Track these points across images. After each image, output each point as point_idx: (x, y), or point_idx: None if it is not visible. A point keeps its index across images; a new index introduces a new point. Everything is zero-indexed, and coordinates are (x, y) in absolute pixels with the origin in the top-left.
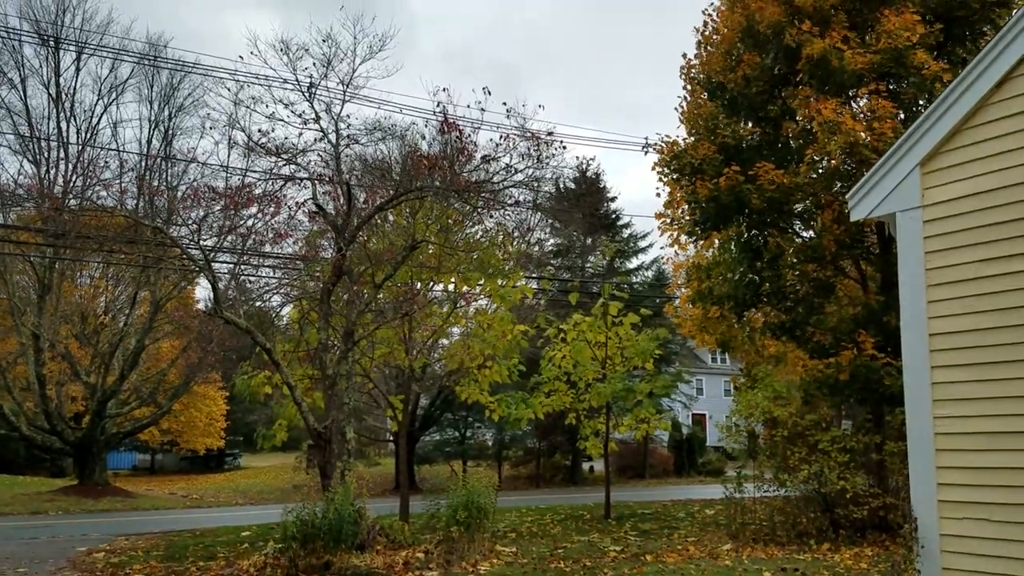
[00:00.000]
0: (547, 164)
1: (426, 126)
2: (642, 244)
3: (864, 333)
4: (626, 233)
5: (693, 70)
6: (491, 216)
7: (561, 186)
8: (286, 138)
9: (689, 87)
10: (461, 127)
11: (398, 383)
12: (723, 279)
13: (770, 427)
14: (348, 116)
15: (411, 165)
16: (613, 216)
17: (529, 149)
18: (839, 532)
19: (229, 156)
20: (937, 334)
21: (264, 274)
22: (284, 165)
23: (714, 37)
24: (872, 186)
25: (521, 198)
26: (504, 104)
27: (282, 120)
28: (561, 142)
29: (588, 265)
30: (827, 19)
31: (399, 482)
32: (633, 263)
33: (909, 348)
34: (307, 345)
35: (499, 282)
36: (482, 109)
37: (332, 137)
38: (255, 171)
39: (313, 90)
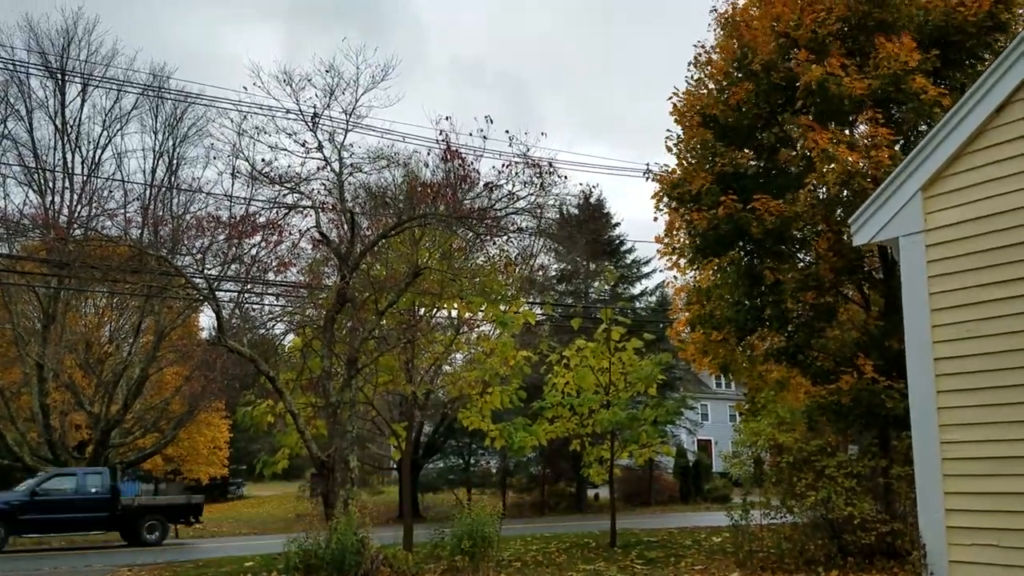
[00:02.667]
0: (549, 191)
1: (429, 154)
2: (645, 269)
3: (864, 357)
4: (629, 259)
5: (686, 103)
6: (494, 243)
7: (565, 212)
8: (289, 166)
9: (681, 120)
10: (463, 155)
11: (400, 411)
12: (723, 303)
13: (775, 454)
14: (351, 145)
15: (414, 193)
16: (617, 242)
17: (531, 177)
18: (847, 559)
19: (233, 185)
20: (942, 358)
21: (267, 302)
22: (287, 194)
23: (708, 68)
24: (875, 211)
25: (523, 225)
26: (507, 132)
27: (285, 149)
28: (564, 176)
29: (592, 291)
30: (824, 47)
31: (403, 511)
32: (637, 289)
33: (914, 373)
34: (310, 373)
35: (501, 308)
36: (484, 137)
37: (335, 166)
38: (258, 200)
39: (316, 119)
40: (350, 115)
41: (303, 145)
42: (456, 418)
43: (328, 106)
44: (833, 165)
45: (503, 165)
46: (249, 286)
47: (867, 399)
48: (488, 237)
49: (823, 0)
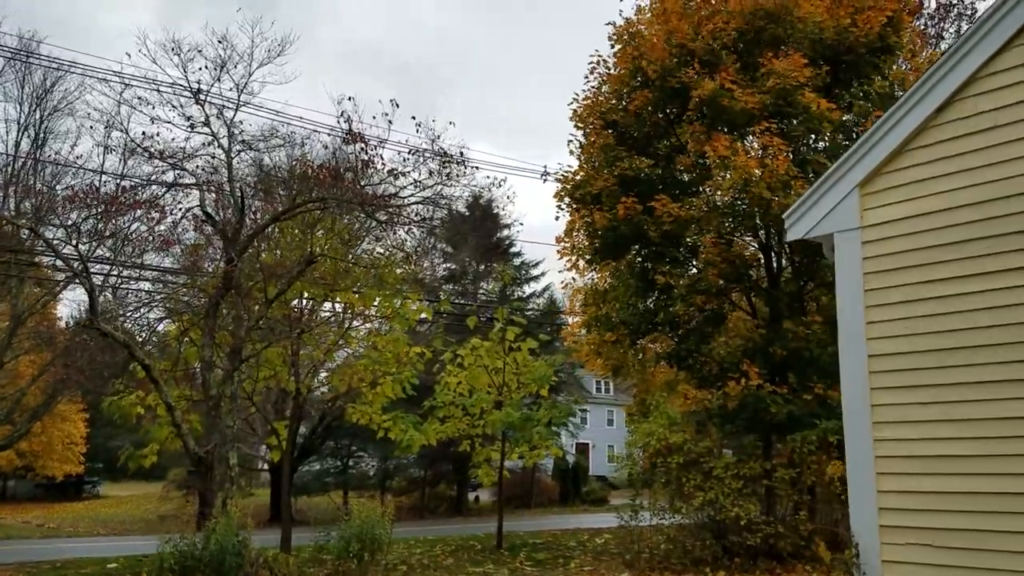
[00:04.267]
0: (457, 182)
1: (329, 135)
2: (534, 272)
3: (750, 363)
4: (518, 261)
5: (587, 108)
6: (394, 232)
7: (454, 211)
8: (173, 139)
9: (583, 124)
10: (367, 138)
11: (276, 408)
12: (619, 305)
13: (664, 454)
14: (241, 122)
15: (312, 175)
16: (506, 243)
17: (441, 165)
18: (733, 559)
19: (104, 161)
20: (876, 355)
21: (142, 287)
22: (168, 170)
23: (606, 76)
24: (810, 206)
25: (428, 214)
26: (413, 118)
27: (169, 123)
28: (475, 167)
29: (480, 292)
30: (717, 60)
31: (277, 514)
32: (526, 291)
33: (848, 369)
34: (186, 364)
35: (396, 302)
36: (389, 121)
37: (224, 142)
38: (134, 178)
39: (202, 94)
40: (242, 90)
41: (188, 119)
42: (336, 418)
43: (219, 79)
44: (730, 173)
45: (409, 151)
46: (124, 267)
47: (753, 404)
48: (390, 226)
49: (720, 14)
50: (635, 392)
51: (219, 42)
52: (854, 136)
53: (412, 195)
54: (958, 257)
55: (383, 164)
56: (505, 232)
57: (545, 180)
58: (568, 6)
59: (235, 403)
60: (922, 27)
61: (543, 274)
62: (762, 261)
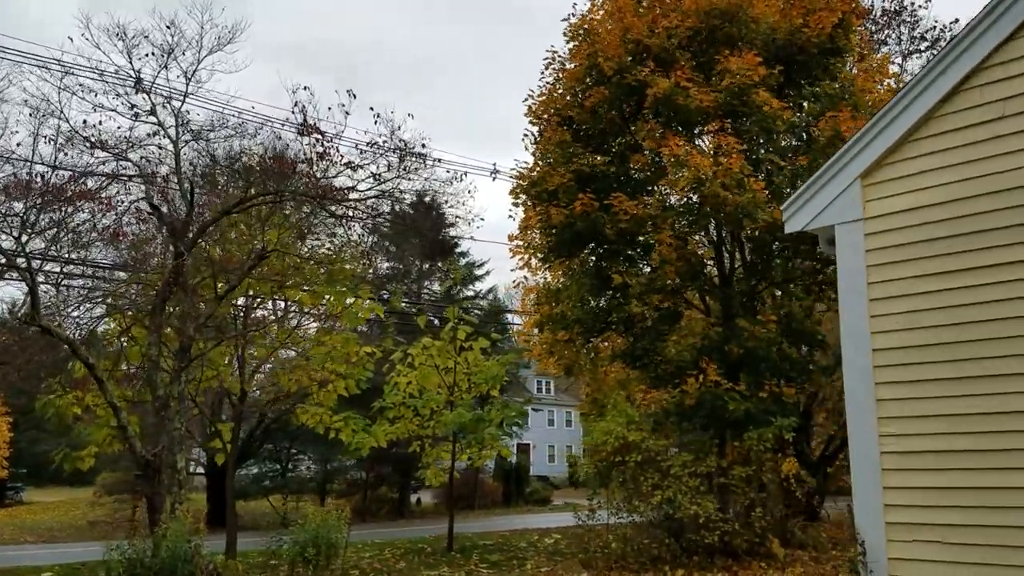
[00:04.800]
0: (418, 175)
1: (283, 126)
2: (479, 272)
3: (708, 361)
4: (463, 260)
5: (542, 105)
6: (350, 227)
7: (398, 208)
8: (118, 128)
9: (538, 121)
10: (323, 129)
11: (212, 410)
12: (572, 304)
13: (622, 453)
14: (187, 112)
15: (265, 166)
16: (452, 242)
17: (400, 157)
18: (692, 557)
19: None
20: (880, 349)
21: (81, 283)
22: (107, 160)
23: (561, 72)
24: (809, 197)
25: (385, 209)
26: (372, 109)
27: (114, 110)
28: (437, 160)
29: (425, 291)
30: (672, 58)
31: (215, 518)
32: (470, 291)
33: (851, 364)
34: (128, 363)
35: (347, 300)
36: (346, 113)
37: (171, 132)
38: (70, 168)
39: (150, 85)
40: (190, 78)
41: (132, 108)
42: (275, 420)
43: (166, 66)
44: (685, 171)
45: (368, 143)
46: (66, 262)
47: (711, 402)
48: (346, 220)
49: (675, 13)
50: (587, 391)
51: (167, 27)
52: (804, 137)
53: (370, 188)
54: (964, 249)
55: (340, 156)
56: (451, 232)
57: (495, 178)
58: (524, 6)
59: (183, 404)
60: (870, 32)
61: (488, 274)
62: (718, 259)
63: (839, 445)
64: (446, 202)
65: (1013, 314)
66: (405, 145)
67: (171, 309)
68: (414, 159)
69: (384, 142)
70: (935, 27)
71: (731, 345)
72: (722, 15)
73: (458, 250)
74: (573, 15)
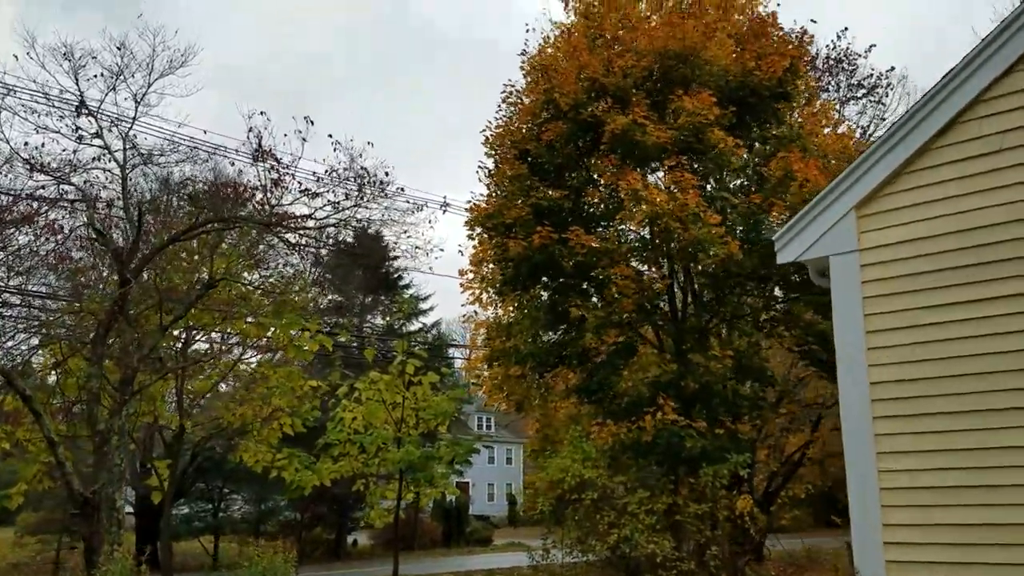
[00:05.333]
0: (378, 204)
1: (237, 152)
2: (423, 306)
3: (666, 397)
4: (407, 294)
5: (498, 137)
6: (304, 256)
7: (341, 240)
8: (63, 150)
9: (495, 152)
10: (278, 156)
11: (144, 447)
12: (525, 338)
13: (578, 490)
14: (135, 136)
15: (218, 192)
16: (395, 275)
17: (361, 186)
18: None
19: None
20: (879, 383)
21: (16, 311)
22: (47, 185)
23: (518, 106)
24: (803, 227)
25: (340, 238)
26: (330, 136)
27: (58, 132)
28: (401, 188)
29: (367, 325)
30: (628, 97)
31: (150, 559)
32: (415, 324)
33: (847, 398)
34: (64, 396)
35: (293, 332)
36: (303, 139)
37: (119, 155)
38: (9, 192)
39: (97, 108)
40: (140, 101)
41: (77, 130)
42: (208, 458)
43: (115, 88)
44: (642, 205)
45: (326, 171)
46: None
47: (667, 438)
48: (301, 249)
49: (631, 53)
50: (536, 428)
51: (118, 48)
52: (756, 178)
53: (327, 216)
54: (964, 281)
55: (297, 183)
56: (395, 265)
57: (445, 210)
58: (477, 45)
59: (123, 439)
60: (816, 78)
61: (432, 308)
62: (670, 294)
63: (781, 482)
64: (404, 232)
65: (1015, 347)
66: (367, 173)
67: (112, 339)
68: (375, 187)
69: (345, 170)
70: (871, 75)
71: (687, 380)
72: (676, 56)
73: (402, 283)
74: (526, 51)
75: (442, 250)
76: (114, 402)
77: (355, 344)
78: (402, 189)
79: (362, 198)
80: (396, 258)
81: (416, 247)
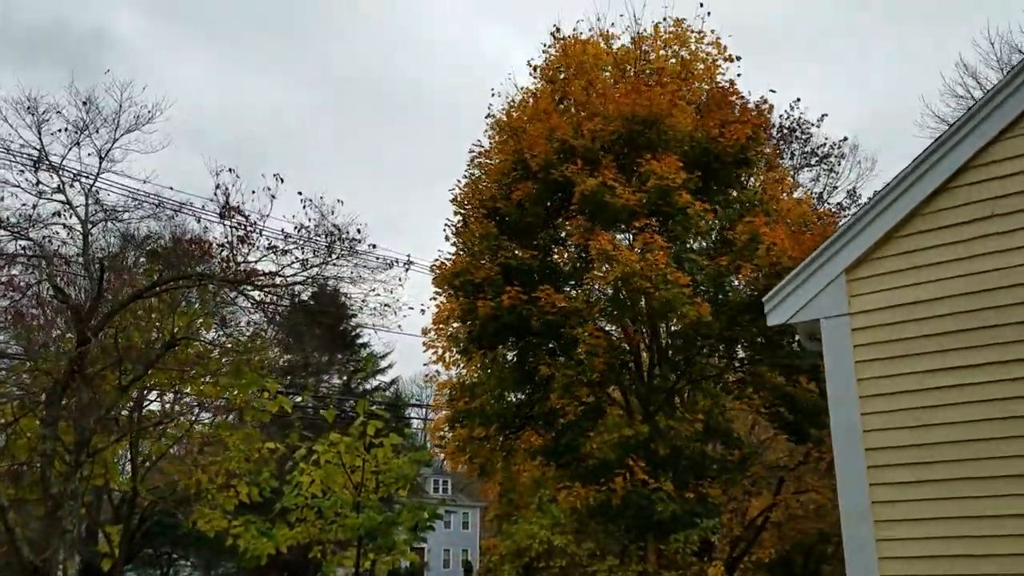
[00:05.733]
0: (350, 262)
1: (203, 208)
2: (382, 363)
3: (635, 458)
4: (365, 352)
5: (466, 194)
6: (273, 316)
7: (296, 299)
8: (23, 204)
9: (464, 210)
10: (246, 212)
11: (92, 512)
12: (491, 398)
13: (545, 557)
14: (98, 191)
15: (183, 249)
16: (353, 334)
17: (332, 243)
18: None
19: None
20: (874, 449)
21: None
22: (10, 240)
23: (487, 167)
24: (791, 291)
25: (302, 295)
26: (300, 193)
27: (18, 186)
28: (373, 245)
29: (323, 384)
30: (598, 159)
31: None
32: (372, 383)
33: (843, 463)
34: (14, 458)
35: (251, 393)
36: (272, 196)
37: (80, 211)
38: None
39: (59, 160)
40: (104, 156)
41: (37, 184)
42: (156, 523)
43: (78, 143)
44: (613, 264)
45: (295, 228)
46: None
47: (636, 501)
48: (267, 306)
49: (599, 117)
50: (500, 491)
51: (84, 103)
52: (721, 241)
53: (295, 274)
54: (953, 347)
55: (267, 240)
56: (352, 322)
57: (407, 269)
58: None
59: (77, 503)
60: (776, 145)
61: (391, 365)
62: (636, 355)
63: (745, 547)
64: (372, 290)
65: (1009, 413)
66: (338, 230)
67: (68, 399)
68: (346, 243)
69: (316, 226)
70: (824, 143)
71: (657, 443)
72: (643, 122)
73: (360, 341)
74: (491, 114)
75: (411, 308)
76: (68, 465)
77: (311, 405)
78: (374, 246)
79: (331, 255)
80: (354, 316)
81: (385, 305)
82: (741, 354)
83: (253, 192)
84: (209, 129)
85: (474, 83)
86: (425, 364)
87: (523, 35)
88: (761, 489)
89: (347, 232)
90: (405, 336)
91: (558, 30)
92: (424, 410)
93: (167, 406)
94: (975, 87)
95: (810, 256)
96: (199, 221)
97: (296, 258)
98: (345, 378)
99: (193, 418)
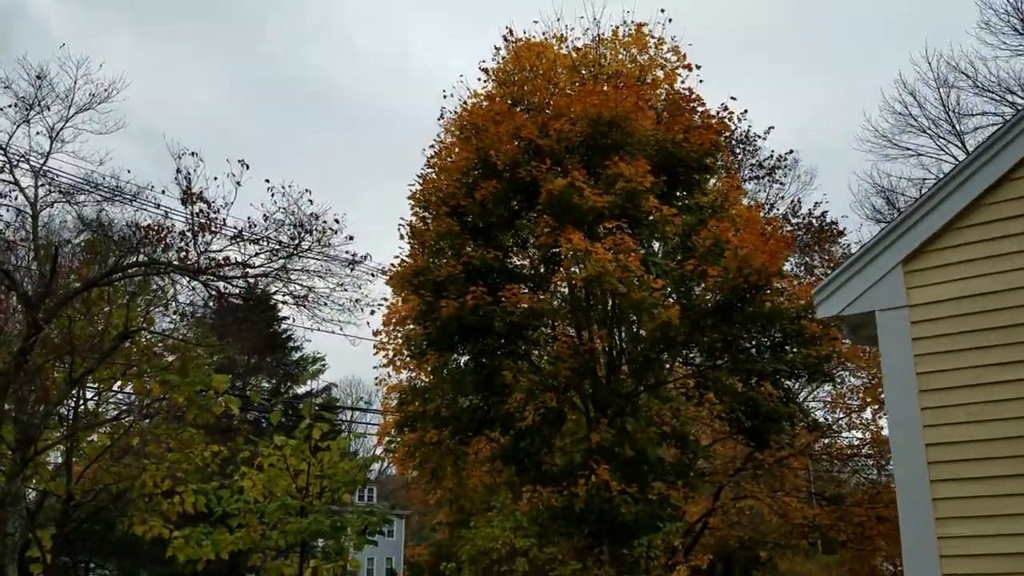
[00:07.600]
0: (321, 255)
1: (163, 193)
2: (315, 367)
3: (601, 460)
4: (296, 356)
5: (424, 191)
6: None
7: (224, 299)
8: None
9: (426, 208)
10: (208, 199)
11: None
12: (445, 402)
13: (507, 561)
14: (49, 171)
15: (141, 236)
16: (284, 336)
17: (304, 232)
18: None
19: None
20: (935, 444)
21: None
22: None
23: (447, 162)
24: (843, 282)
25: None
26: (267, 180)
27: None
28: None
29: (250, 387)
30: (564, 159)
31: None
32: (302, 389)
33: (902, 461)
34: None
35: (198, 391)
36: (238, 183)
37: (30, 192)
38: None
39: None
40: (55, 136)
41: None
42: (76, 528)
43: (27, 120)
44: (586, 264)
45: (263, 216)
46: None
47: (599, 504)
48: (226, 298)
49: (565, 117)
50: (451, 496)
51: (37, 78)
52: (683, 246)
53: (263, 265)
54: (1015, 340)
55: (234, 228)
56: (283, 326)
57: (353, 268)
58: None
59: (18, 506)
60: (734, 154)
61: (323, 369)
62: (606, 359)
63: (683, 553)
64: (340, 285)
65: None
66: (315, 218)
67: (12, 393)
68: (323, 233)
69: (292, 215)
70: (771, 155)
71: (625, 447)
72: (608, 123)
73: (290, 344)
74: (447, 110)
75: (380, 305)
76: (12, 464)
77: (255, 406)
78: (351, 238)
79: (299, 245)
80: (285, 319)
81: (356, 300)
82: (699, 360)
83: (215, 179)
84: (139, 123)
85: (408, 84)
86: (374, 367)
87: (456, 27)
88: (697, 493)
89: (323, 220)
90: (336, 339)
91: (511, 32)
92: (351, 412)
93: (107, 403)
94: (913, 104)
95: (861, 248)
96: (159, 207)
97: (262, 248)
98: (275, 381)
99: (133, 417)
